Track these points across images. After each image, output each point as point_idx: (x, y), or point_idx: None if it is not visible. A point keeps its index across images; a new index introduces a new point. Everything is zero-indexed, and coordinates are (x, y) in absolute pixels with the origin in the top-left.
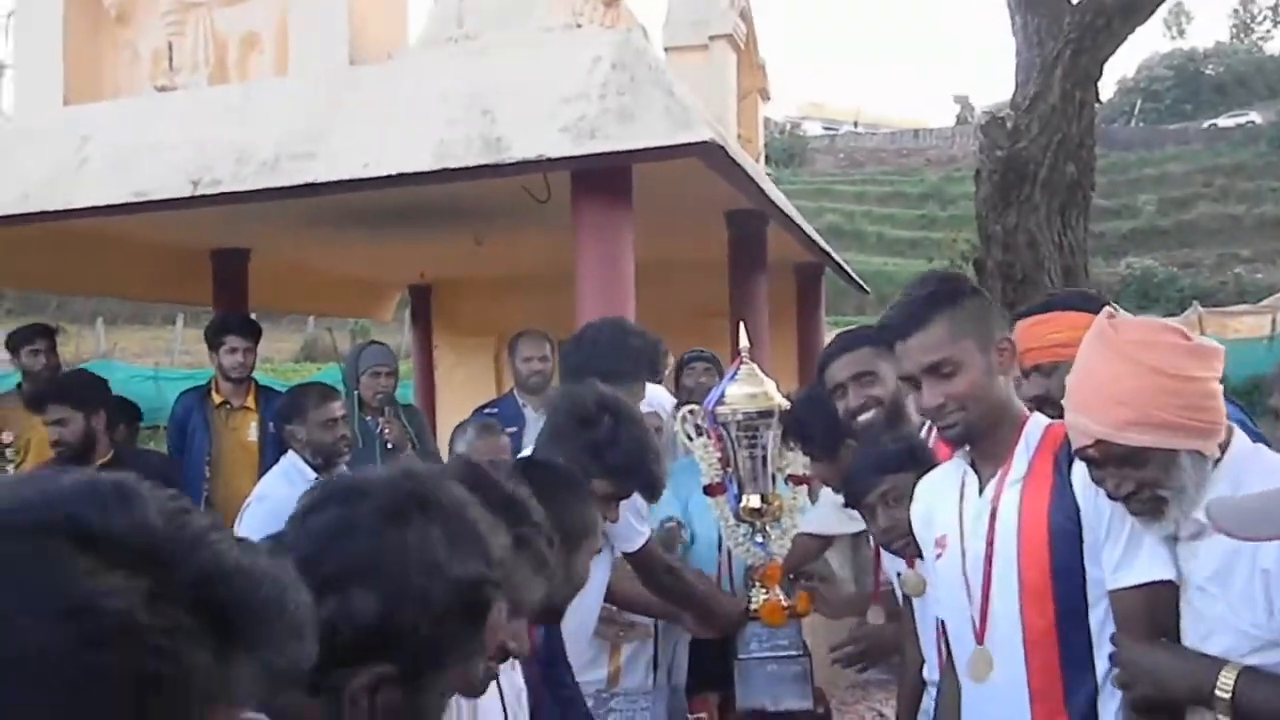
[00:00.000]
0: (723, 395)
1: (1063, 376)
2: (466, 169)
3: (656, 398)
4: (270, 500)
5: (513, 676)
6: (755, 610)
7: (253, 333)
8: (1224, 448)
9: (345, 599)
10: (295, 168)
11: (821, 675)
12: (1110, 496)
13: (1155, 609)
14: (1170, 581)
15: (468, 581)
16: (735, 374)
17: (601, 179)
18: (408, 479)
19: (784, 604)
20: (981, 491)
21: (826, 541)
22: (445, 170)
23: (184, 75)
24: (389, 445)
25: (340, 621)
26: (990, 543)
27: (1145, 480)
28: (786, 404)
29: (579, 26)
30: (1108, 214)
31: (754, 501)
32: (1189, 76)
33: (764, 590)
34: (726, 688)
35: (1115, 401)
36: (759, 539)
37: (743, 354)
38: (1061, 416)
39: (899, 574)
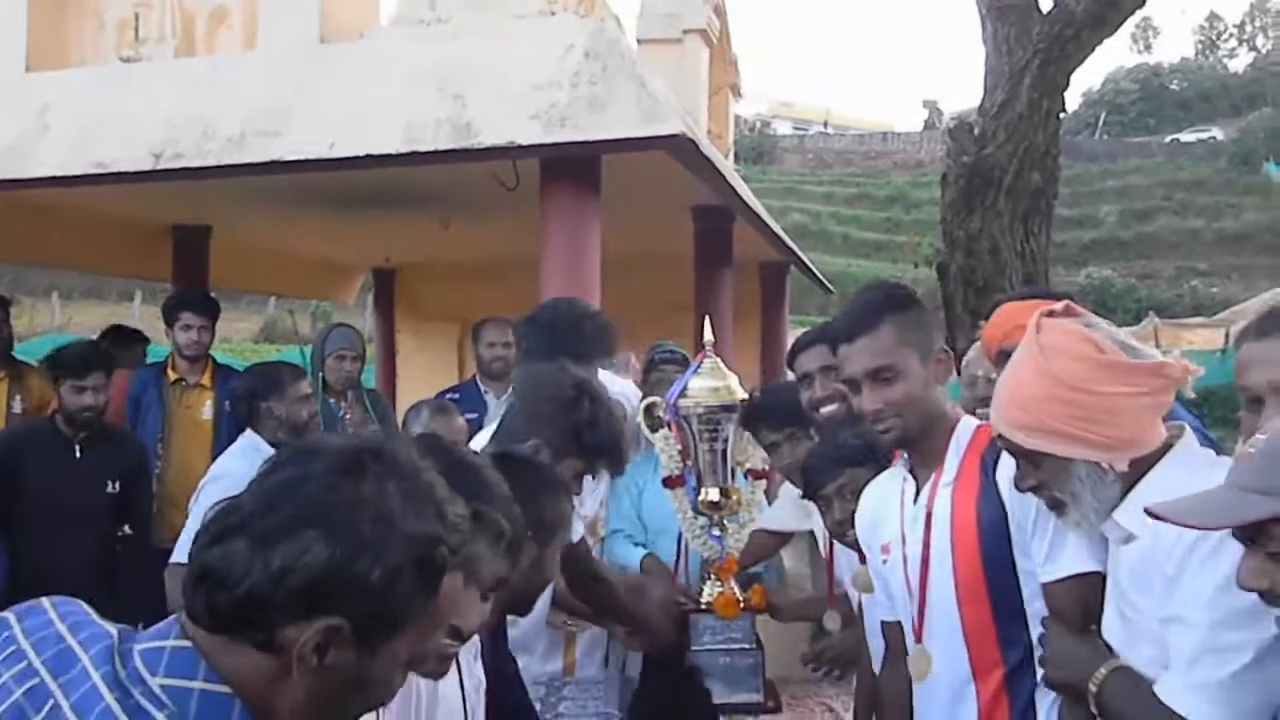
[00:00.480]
0: (685, 388)
1: None
2: (435, 153)
3: (621, 388)
4: (228, 478)
5: (474, 667)
6: (709, 603)
7: (210, 310)
8: (1165, 450)
9: (295, 544)
10: (261, 144)
11: (773, 668)
12: (1016, 487)
13: (1084, 599)
14: (1097, 572)
15: (422, 538)
16: (698, 367)
17: (570, 168)
18: (364, 439)
19: (738, 598)
20: (917, 497)
21: (783, 538)
22: (414, 153)
23: (149, 47)
24: (351, 429)
25: (289, 568)
26: (926, 545)
27: (1043, 480)
28: (747, 398)
29: (552, 14)
30: (1070, 224)
31: (713, 495)
32: (1153, 91)
33: (719, 583)
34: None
35: (1015, 404)
36: (716, 532)
37: (707, 348)
38: None
39: (852, 575)
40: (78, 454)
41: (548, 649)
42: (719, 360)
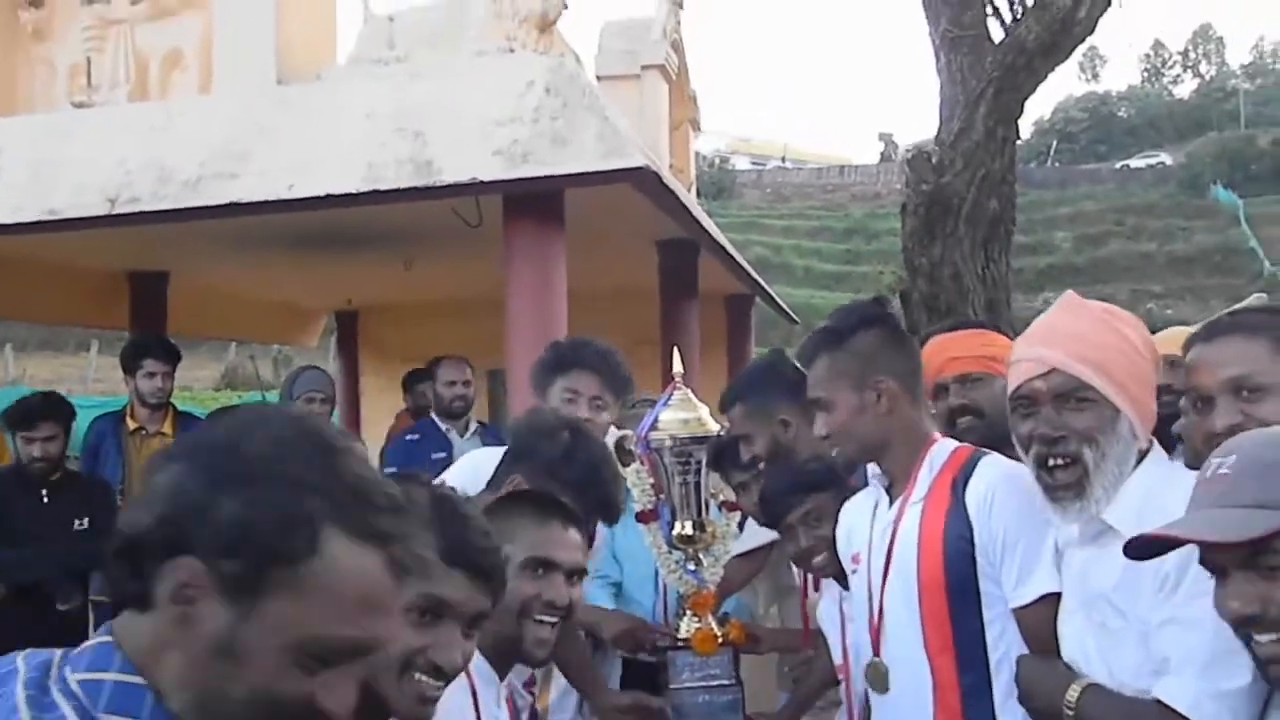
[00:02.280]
0: (656, 421)
1: (992, 389)
2: (396, 191)
3: None
4: None
5: (498, 713)
6: (687, 639)
7: (171, 356)
8: (1142, 457)
9: (162, 476)
10: (218, 188)
11: (753, 704)
12: (1035, 451)
13: (1054, 619)
14: (1058, 592)
15: (291, 482)
16: (669, 399)
17: (534, 203)
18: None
19: (716, 633)
20: (890, 510)
21: (759, 563)
22: (374, 192)
23: (103, 92)
24: None
25: (153, 501)
26: (888, 558)
27: (1077, 430)
28: (719, 430)
29: (511, 51)
30: (1026, 250)
31: (687, 528)
32: (1102, 119)
33: (696, 619)
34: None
35: (1080, 339)
36: (691, 566)
37: (676, 379)
38: (985, 427)
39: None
40: (44, 498)
41: None
42: (689, 392)
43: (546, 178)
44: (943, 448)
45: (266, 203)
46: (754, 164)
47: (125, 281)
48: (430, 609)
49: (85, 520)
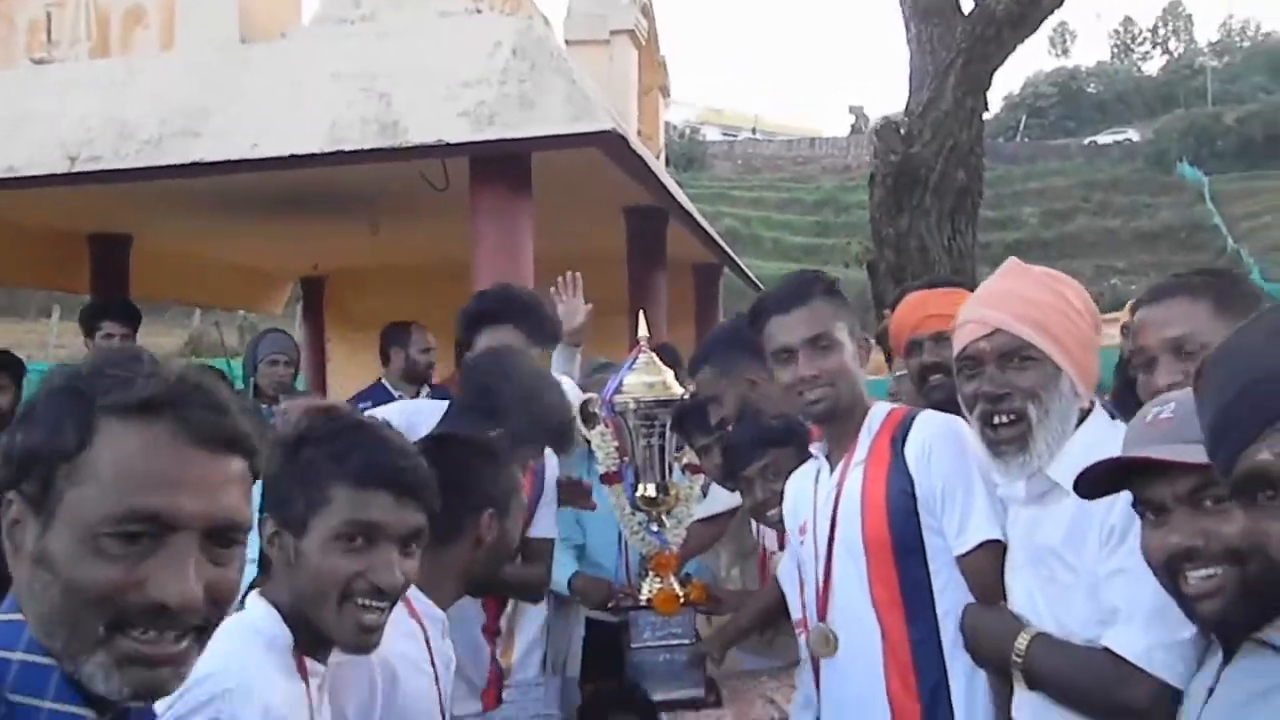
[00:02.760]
0: (621, 384)
1: None
2: (361, 152)
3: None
4: None
5: (443, 645)
6: (649, 600)
7: (131, 318)
8: (1084, 417)
9: None
10: (181, 146)
11: (713, 664)
12: (980, 409)
13: (996, 565)
14: (1000, 540)
15: (63, 390)
16: (634, 363)
17: (501, 166)
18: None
19: (677, 593)
20: (831, 475)
21: (721, 527)
22: (339, 153)
23: (63, 48)
24: None
25: None
26: (833, 521)
27: (1020, 387)
28: (683, 394)
29: (479, 12)
30: (993, 225)
31: (650, 490)
32: (1071, 94)
33: (658, 580)
34: (619, 676)
35: (1023, 300)
36: (654, 528)
37: (641, 343)
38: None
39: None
40: None
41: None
42: (654, 355)
43: (513, 140)
44: (879, 410)
45: (229, 162)
46: (725, 135)
47: (86, 244)
48: (360, 533)
49: None
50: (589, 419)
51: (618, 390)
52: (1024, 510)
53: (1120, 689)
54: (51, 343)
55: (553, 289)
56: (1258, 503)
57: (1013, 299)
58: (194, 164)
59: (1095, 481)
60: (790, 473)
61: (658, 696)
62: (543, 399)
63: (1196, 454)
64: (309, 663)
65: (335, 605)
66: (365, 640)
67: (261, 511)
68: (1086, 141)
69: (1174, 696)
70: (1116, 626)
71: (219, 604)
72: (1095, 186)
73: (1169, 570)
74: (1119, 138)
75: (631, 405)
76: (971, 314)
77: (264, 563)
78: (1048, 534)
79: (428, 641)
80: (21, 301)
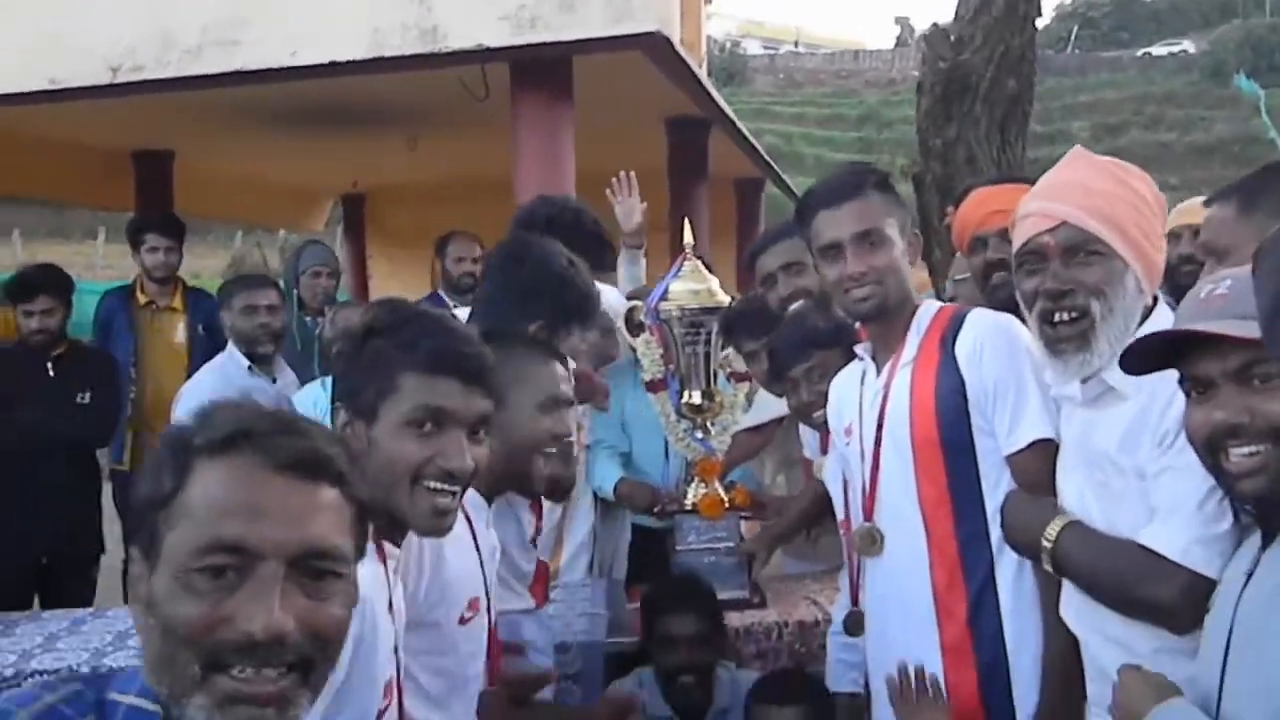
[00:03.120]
0: (666, 291)
1: None
2: (401, 58)
3: (605, 297)
4: (194, 392)
5: (488, 534)
6: (695, 505)
7: (175, 231)
8: (1147, 315)
9: None
10: (221, 55)
11: (758, 567)
12: (1040, 307)
13: (1049, 465)
14: (1054, 439)
15: (166, 443)
16: (679, 270)
17: (541, 73)
18: None
19: (722, 498)
20: (878, 377)
21: (766, 437)
22: (379, 60)
23: None
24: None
25: None
26: (880, 424)
27: (1085, 283)
28: (729, 301)
29: None
30: (1042, 140)
31: (695, 398)
32: (1125, 4)
33: (703, 485)
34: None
35: (1088, 191)
36: (699, 435)
37: (686, 250)
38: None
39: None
40: (49, 372)
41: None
42: (699, 262)
43: (554, 44)
44: (928, 309)
45: (269, 71)
46: (766, 48)
47: (130, 160)
48: (429, 419)
49: (88, 394)
50: (634, 327)
51: (663, 297)
52: (1079, 412)
53: (1149, 584)
54: (99, 264)
55: (608, 190)
56: None
57: (1078, 190)
58: (235, 73)
59: (1144, 356)
60: (836, 373)
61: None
62: (560, 276)
63: (1249, 329)
64: (386, 546)
65: (408, 489)
66: (439, 523)
67: (333, 403)
68: (1140, 53)
69: (1207, 591)
70: (1154, 524)
71: (321, 639)
72: (1148, 100)
73: (1211, 447)
74: (1174, 49)
75: (676, 313)
76: (1033, 207)
77: None
78: (1103, 438)
79: (472, 527)
80: (68, 223)
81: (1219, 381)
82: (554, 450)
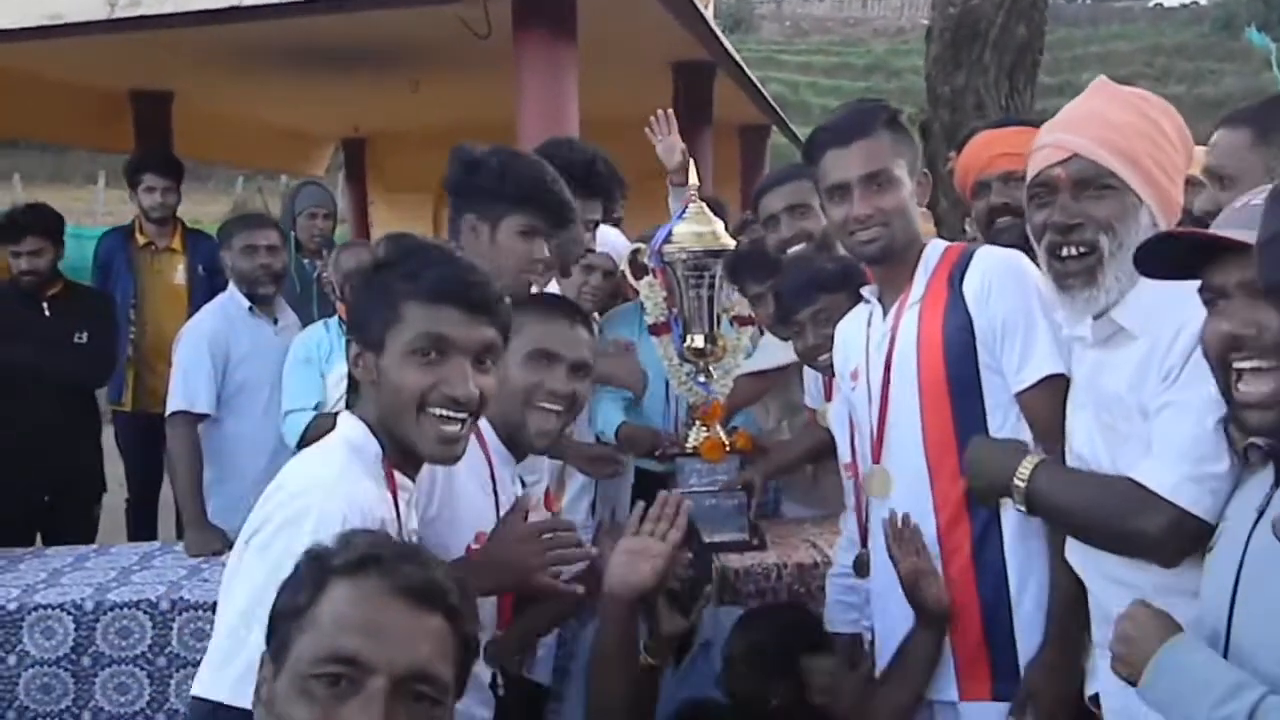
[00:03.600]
0: (670, 234)
1: None
2: None
3: (608, 239)
4: (195, 330)
5: (510, 487)
6: (696, 447)
7: (173, 171)
8: None
9: None
10: None
11: (756, 496)
12: (1048, 240)
13: (1058, 402)
14: (1064, 375)
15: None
16: (684, 213)
17: (544, 9)
18: None
19: (723, 441)
20: (885, 319)
21: (769, 382)
22: None
23: None
24: (327, 290)
25: None
26: (888, 363)
27: (1095, 217)
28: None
29: None
30: (1051, 91)
31: (698, 341)
32: None
33: (705, 428)
34: None
35: (1106, 123)
36: (702, 379)
37: (691, 192)
38: (1022, 227)
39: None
40: (45, 311)
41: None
42: (704, 205)
43: None
44: (935, 248)
45: (268, 6)
46: None
47: (129, 100)
48: (432, 347)
49: (84, 334)
50: (638, 269)
51: (667, 240)
52: (1090, 352)
53: (1134, 518)
54: (99, 210)
55: (647, 129)
56: None
57: (1095, 121)
58: (233, 8)
59: (1163, 261)
60: (843, 317)
61: (703, 540)
62: (519, 166)
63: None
64: (399, 477)
65: (414, 416)
66: (446, 451)
67: (346, 336)
68: (1152, 4)
69: (1195, 530)
70: (1148, 459)
71: None
72: (1159, 51)
73: (1223, 364)
74: (1186, 0)
75: (681, 255)
76: (1048, 138)
77: (354, 386)
78: (1113, 379)
79: (493, 472)
80: (68, 168)
81: (1232, 292)
82: (546, 405)
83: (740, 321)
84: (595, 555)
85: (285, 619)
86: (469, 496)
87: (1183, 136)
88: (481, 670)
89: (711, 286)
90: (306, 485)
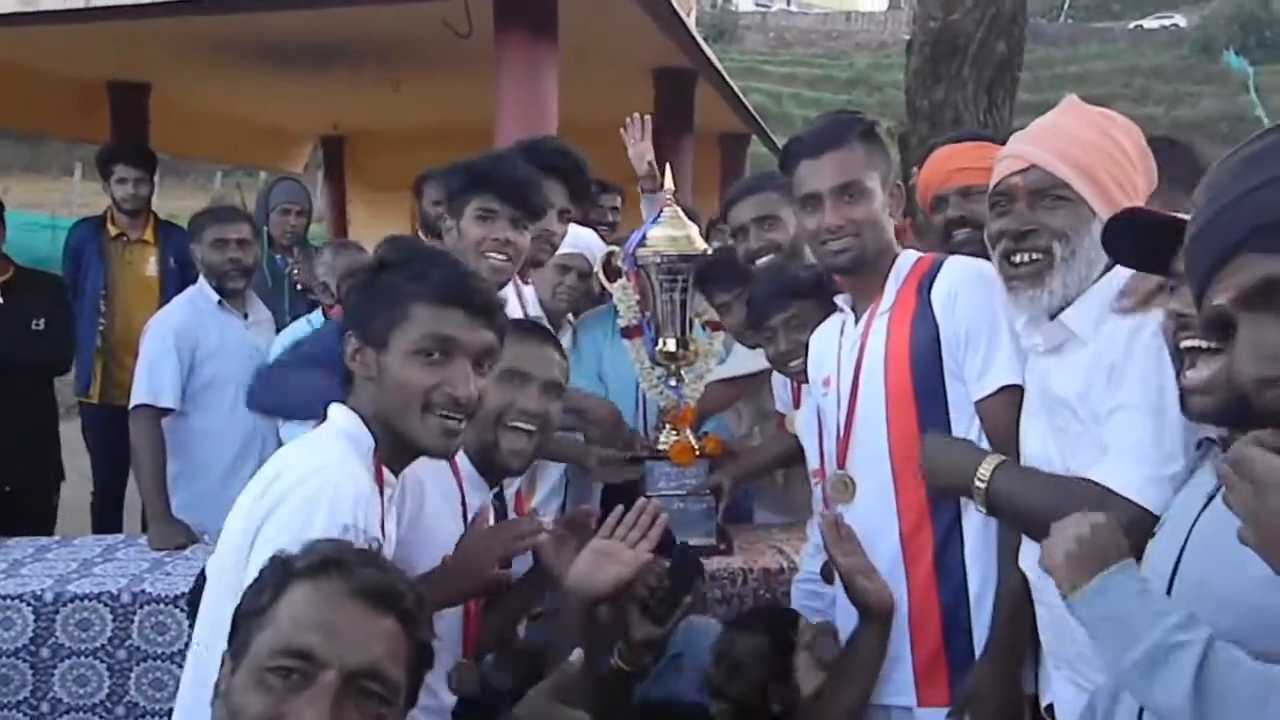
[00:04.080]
0: (644, 237)
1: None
2: None
3: (584, 240)
4: (164, 321)
5: (476, 498)
6: (665, 451)
7: (145, 162)
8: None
9: None
10: None
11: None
12: (1003, 246)
13: (1015, 412)
14: (1020, 386)
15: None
16: (659, 216)
17: (526, 10)
18: None
19: (693, 445)
20: (857, 326)
21: (739, 390)
22: None
23: None
24: (298, 286)
25: None
26: (857, 371)
27: (1049, 226)
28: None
29: None
30: (1030, 109)
31: (670, 345)
32: None
33: (675, 432)
34: None
35: (1067, 137)
36: (673, 382)
37: (667, 195)
38: (981, 241)
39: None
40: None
41: None
42: (679, 209)
43: None
44: (906, 258)
45: None
46: (758, 6)
47: (105, 92)
48: (438, 348)
49: (42, 320)
50: (611, 272)
51: (641, 243)
52: (1040, 360)
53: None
54: (75, 201)
55: (621, 130)
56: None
57: (1057, 136)
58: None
59: (1136, 252)
60: (815, 324)
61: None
62: (481, 158)
63: None
64: (385, 473)
65: (419, 414)
66: (447, 444)
67: (344, 330)
68: (1132, 25)
69: (1149, 528)
70: (1107, 460)
71: None
72: (1137, 73)
73: (1177, 348)
74: (1166, 22)
75: (655, 259)
76: (1011, 149)
77: (346, 378)
78: (1061, 384)
79: (464, 496)
80: (44, 159)
81: (1184, 274)
82: (519, 424)
83: (713, 326)
84: (550, 531)
85: (247, 618)
86: (439, 519)
87: (1143, 156)
88: (445, 696)
89: (685, 291)
90: (314, 467)
